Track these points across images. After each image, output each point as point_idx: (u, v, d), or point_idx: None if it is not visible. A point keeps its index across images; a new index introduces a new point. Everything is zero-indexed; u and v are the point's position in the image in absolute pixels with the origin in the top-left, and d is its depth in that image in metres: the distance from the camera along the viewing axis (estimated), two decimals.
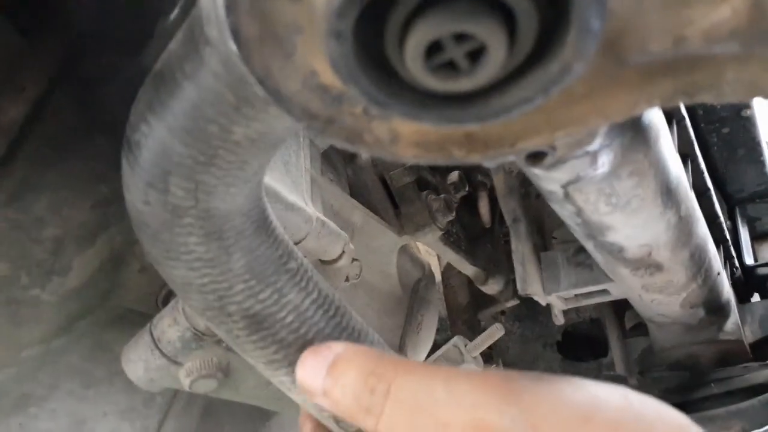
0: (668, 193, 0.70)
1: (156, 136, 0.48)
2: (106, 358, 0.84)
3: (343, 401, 0.42)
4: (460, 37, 0.26)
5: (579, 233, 0.74)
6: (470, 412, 0.36)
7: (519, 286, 0.94)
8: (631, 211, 0.67)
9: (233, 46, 0.28)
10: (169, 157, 0.49)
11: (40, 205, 0.59)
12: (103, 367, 0.84)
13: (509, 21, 0.26)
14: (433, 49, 0.26)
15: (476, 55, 0.26)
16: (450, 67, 0.27)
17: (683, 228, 0.76)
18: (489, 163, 0.39)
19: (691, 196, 0.80)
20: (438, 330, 1.40)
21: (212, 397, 1.06)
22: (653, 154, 0.64)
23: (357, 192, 1.14)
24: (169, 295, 0.78)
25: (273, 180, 0.73)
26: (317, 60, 0.29)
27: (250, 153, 0.49)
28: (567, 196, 0.64)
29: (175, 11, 0.60)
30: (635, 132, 0.60)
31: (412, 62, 0.26)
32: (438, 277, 1.64)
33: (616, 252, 0.76)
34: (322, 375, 0.46)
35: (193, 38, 0.42)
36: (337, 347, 0.48)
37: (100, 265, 0.68)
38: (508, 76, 0.29)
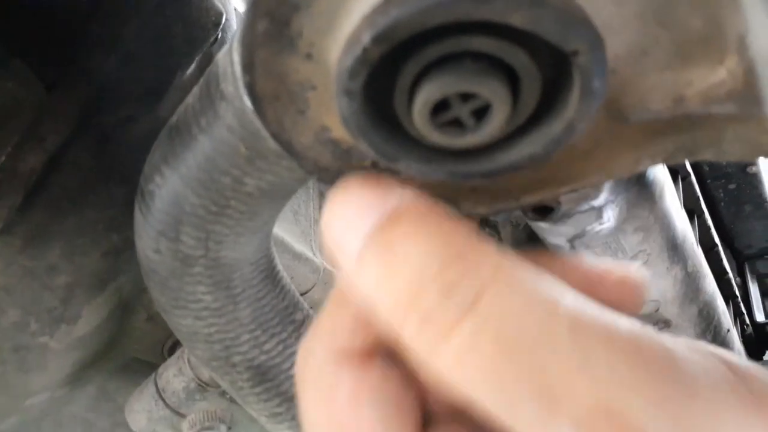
0: (674, 249, 0.70)
1: (169, 186, 0.50)
2: (109, 408, 0.83)
3: (391, 286, 0.22)
4: (466, 96, 0.27)
5: None
6: (605, 390, 0.19)
7: None
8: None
9: (248, 102, 0.30)
10: (181, 206, 0.50)
11: (53, 253, 0.60)
12: (105, 417, 0.84)
13: (513, 80, 0.27)
14: (440, 106, 0.27)
15: (481, 112, 0.27)
16: (456, 124, 0.28)
17: (690, 284, 0.76)
18: (495, 216, 0.39)
19: (698, 251, 0.80)
20: None
21: None
22: (658, 210, 0.64)
23: None
24: (175, 345, 0.78)
25: (282, 230, 0.74)
26: (329, 116, 0.30)
27: (261, 204, 0.50)
28: (574, 250, 0.64)
29: (192, 67, 0.63)
30: (640, 188, 0.61)
31: (420, 119, 0.28)
32: None
33: None
34: (367, 227, 0.24)
35: (210, 93, 0.44)
36: (405, 193, 0.26)
37: (108, 314, 0.69)
38: (513, 133, 0.30)
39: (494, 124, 0.28)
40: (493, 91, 0.26)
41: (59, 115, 0.54)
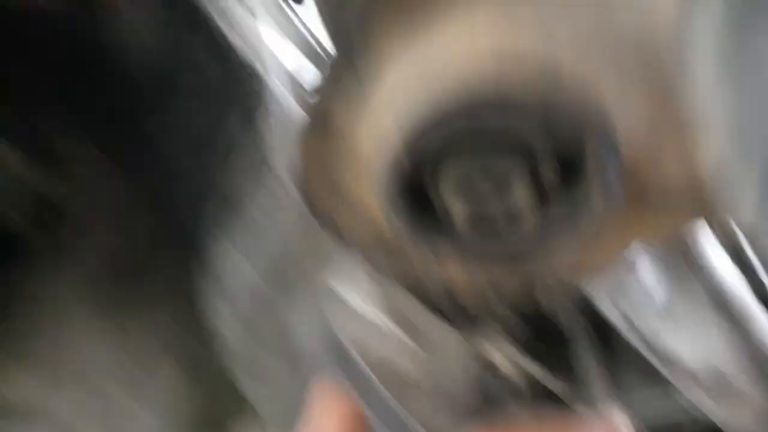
0: (722, 305, 0.69)
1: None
2: None
3: None
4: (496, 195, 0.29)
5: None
6: None
7: None
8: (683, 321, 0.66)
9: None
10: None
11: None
12: None
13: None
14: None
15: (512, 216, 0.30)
16: (491, 226, 0.30)
17: (744, 335, 0.75)
18: None
19: (750, 302, 0.78)
20: None
21: None
22: (701, 268, 0.64)
23: None
24: None
25: None
26: (369, 198, 0.33)
27: None
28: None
29: (235, 122, 0.62)
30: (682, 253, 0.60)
31: (461, 229, 0.30)
32: None
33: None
34: None
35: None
36: None
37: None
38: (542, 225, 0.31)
39: (526, 228, 0.30)
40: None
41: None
